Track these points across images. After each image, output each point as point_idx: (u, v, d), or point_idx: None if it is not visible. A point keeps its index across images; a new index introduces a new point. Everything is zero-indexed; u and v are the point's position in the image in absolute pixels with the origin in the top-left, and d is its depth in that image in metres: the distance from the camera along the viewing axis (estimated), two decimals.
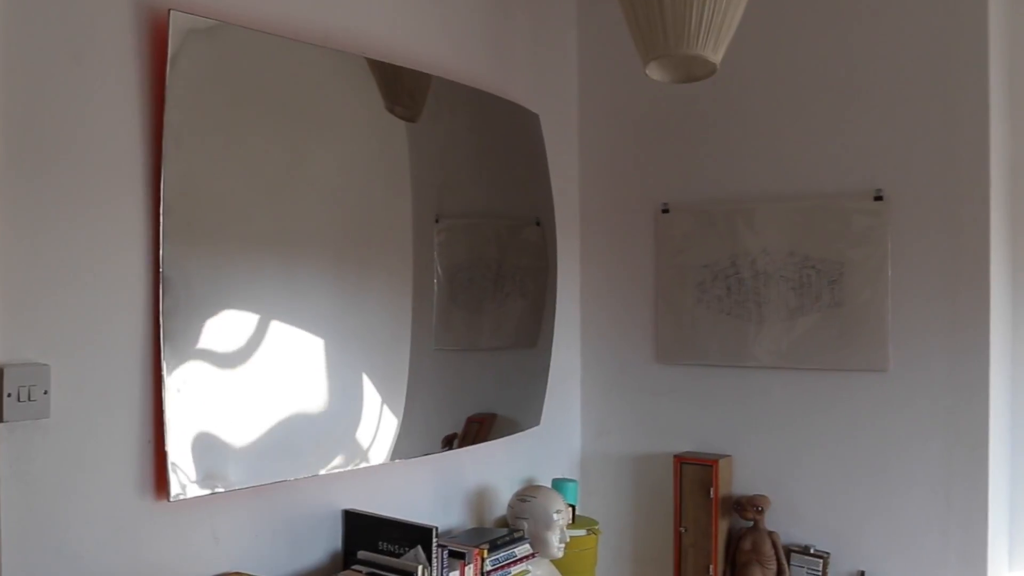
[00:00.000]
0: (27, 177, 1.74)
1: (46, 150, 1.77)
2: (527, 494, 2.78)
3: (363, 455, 2.46)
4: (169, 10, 1.94)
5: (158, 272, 1.93)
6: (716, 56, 2.20)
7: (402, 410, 2.61)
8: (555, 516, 2.72)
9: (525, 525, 2.73)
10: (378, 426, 2.53)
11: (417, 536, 2.29)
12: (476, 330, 2.99)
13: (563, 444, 3.47)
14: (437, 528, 2.29)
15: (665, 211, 3.38)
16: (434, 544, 2.27)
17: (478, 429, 2.99)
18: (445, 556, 2.33)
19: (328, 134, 2.37)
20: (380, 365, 2.55)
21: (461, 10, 2.96)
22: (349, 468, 2.41)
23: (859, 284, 2.99)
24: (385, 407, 2.55)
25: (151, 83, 1.95)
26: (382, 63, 2.54)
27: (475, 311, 2.97)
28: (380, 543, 2.33)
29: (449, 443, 2.83)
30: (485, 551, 2.48)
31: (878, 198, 2.97)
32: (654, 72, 2.32)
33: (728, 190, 3.26)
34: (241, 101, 2.13)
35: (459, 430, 2.88)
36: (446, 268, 2.82)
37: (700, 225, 3.30)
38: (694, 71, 2.33)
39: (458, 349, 2.90)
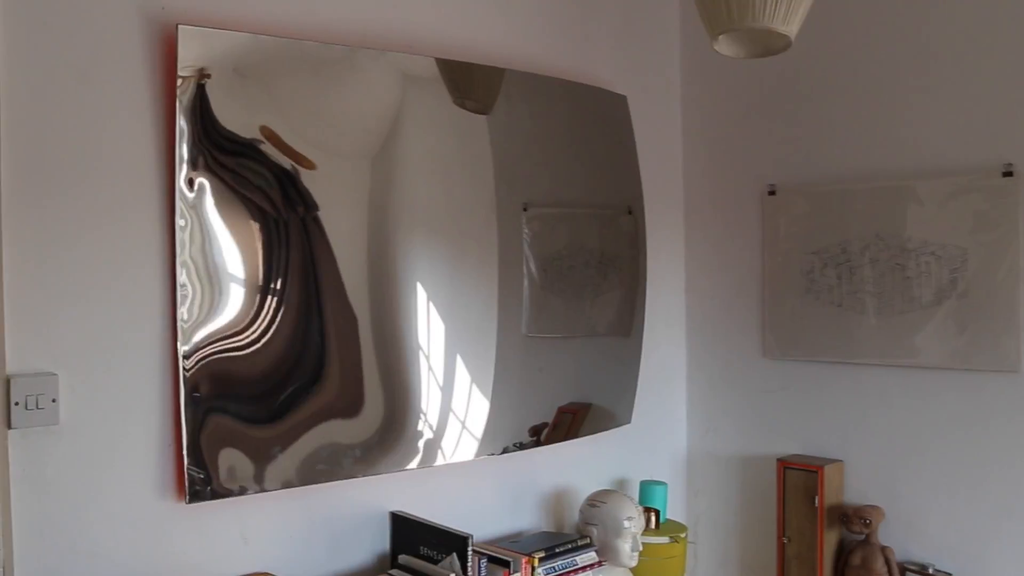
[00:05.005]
0: (36, 193, 1.83)
1: (55, 166, 1.86)
2: (597, 499, 2.66)
3: (423, 454, 2.45)
4: (177, 24, 1.97)
5: (174, 279, 1.98)
6: (789, 28, 2.00)
7: (489, 398, 2.61)
8: (626, 523, 2.58)
9: (594, 532, 2.61)
10: (466, 414, 2.55)
11: (454, 543, 2.24)
12: (572, 318, 2.91)
13: (664, 442, 3.30)
14: (472, 536, 2.23)
15: (772, 193, 3.12)
16: (469, 552, 2.21)
17: (571, 420, 2.90)
18: (483, 565, 2.26)
19: (373, 136, 2.35)
20: (469, 353, 2.56)
21: None
22: (403, 469, 2.40)
23: (986, 272, 2.62)
24: (472, 395, 2.56)
25: (163, 99, 1.99)
26: (447, 60, 2.53)
27: (573, 298, 2.90)
28: (421, 548, 2.31)
29: (537, 434, 2.76)
30: (536, 559, 2.39)
31: (1007, 174, 2.58)
32: (723, 47, 2.14)
33: (838, 169, 2.95)
34: (262, 108, 2.13)
35: (549, 420, 2.80)
36: (539, 256, 2.77)
37: (808, 208, 3.01)
38: (770, 44, 2.13)
39: (550, 336, 2.83)
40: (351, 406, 2.30)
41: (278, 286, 2.15)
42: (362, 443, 2.31)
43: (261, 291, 2.12)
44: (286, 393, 2.16)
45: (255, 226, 2.11)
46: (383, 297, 2.37)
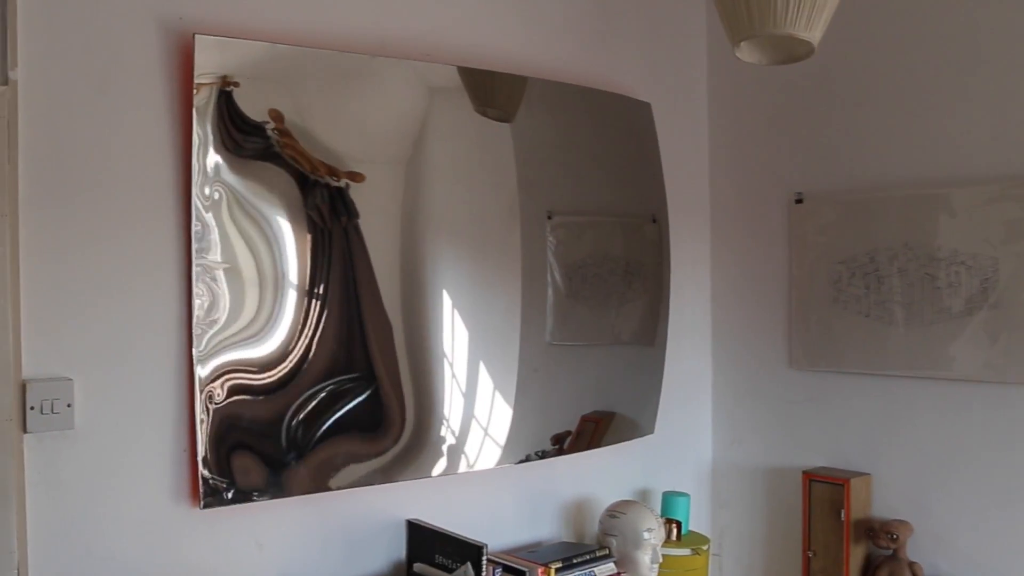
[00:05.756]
0: (53, 200, 1.86)
1: (72, 173, 1.89)
2: (617, 509, 2.63)
3: (446, 461, 2.45)
4: (194, 34, 1.99)
5: (191, 284, 2.00)
6: (811, 34, 1.97)
7: (512, 405, 2.60)
8: (645, 535, 2.55)
9: (614, 543, 2.58)
10: (488, 422, 2.54)
11: (469, 552, 2.22)
12: (596, 326, 2.90)
13: (688, 453, 3.25)
14: (487, 545, 2.21)
15: (799, 201, 3.07)
16: (483, 561, 2.19)
17: (594, 429, 2.87)
18: (498, 574, 2.25)
19: (392, 145, 2.36)
20: (492, 360, 2.57)
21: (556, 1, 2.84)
22: (423, 477, 2.40)
23: (1018, 283, 2.55)
24: (495, 403, 2.56)
25: (180, 107, 2.01)
26: (469, 68, 2.53)
27: (598, 307, 2.88)
28: (436, 556, 2.29)
29: (560, 442, 2.74)
30: (553, 570, 2.37)
31: None
32: (745, 54, 2.11)
33: (867, 177, 2.90)
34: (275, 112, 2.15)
35: (572, 428, 2.79)
36: (563, 264, 2.76)
37: (836, 217, 2.96)
38: (792, 51, 2.10)
39: (574, 344, 2.82)
40: (389, 434, 2.33)
41: (320, 290, 2.17)
42: (386, 459, 2.32)
43: (298, 295, 2.15)
44: (319, 429, 2.19)
45: (278, 230, 2.12)
46: (414, 306, 2.38)
